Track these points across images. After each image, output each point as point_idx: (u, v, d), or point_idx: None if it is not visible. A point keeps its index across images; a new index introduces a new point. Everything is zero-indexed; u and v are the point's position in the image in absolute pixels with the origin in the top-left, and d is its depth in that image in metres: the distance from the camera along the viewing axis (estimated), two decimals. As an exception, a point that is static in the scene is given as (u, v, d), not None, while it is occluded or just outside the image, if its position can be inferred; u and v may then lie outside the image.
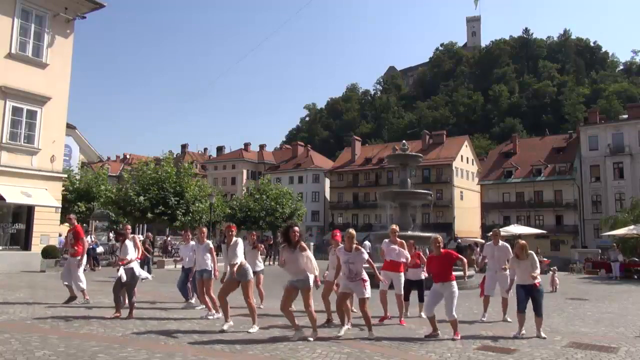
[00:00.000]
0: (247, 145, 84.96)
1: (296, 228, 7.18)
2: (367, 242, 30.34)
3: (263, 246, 11.60)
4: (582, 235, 50.64)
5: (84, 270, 10.81)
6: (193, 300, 10.26)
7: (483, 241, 27.92)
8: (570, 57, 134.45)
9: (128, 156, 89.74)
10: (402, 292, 8.93)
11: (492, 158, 63.18)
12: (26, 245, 18.20)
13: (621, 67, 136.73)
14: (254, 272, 10.21)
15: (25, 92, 17.85)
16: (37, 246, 18.14)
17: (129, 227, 10.60)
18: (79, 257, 10.39)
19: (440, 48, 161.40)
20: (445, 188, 62.38)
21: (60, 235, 20.02)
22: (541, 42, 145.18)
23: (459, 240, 35.95)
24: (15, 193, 17.20)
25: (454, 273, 7.71)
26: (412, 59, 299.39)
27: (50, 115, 18.65)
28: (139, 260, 9.74)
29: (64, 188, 22.38)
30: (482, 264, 9.94)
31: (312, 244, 34.68)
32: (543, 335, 7.62)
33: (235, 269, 7.59)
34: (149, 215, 25.73)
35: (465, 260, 8.13)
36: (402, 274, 9.07)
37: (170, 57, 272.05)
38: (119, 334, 7.11)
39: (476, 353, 6.49)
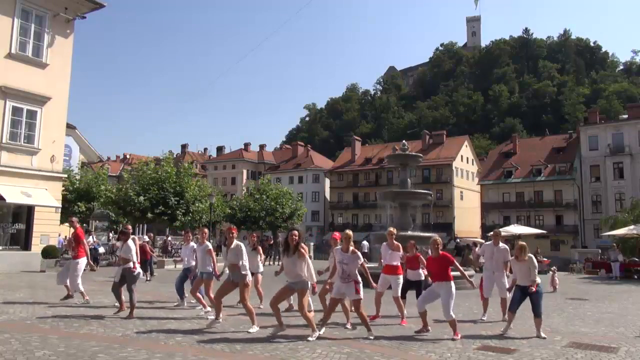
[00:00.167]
0: (247, 145, 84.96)
1: (295, 232, 7.25)
2: (365, 243, 30.38)
3: (261, 248, 11.60)
4: (582, 235, 50.65)
5: (84, 269, 10.80)
6: (185, 304, 10.30)
7: (483, 241, 27.88)
8: (570, 57, 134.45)
9: (128, 156, 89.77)
10: (400, 294, 8.97)
11: (492, 158, 63.20)
12: (26, 245, 18.20)
13: (621, 67, 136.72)
14: (253, 274, 10.27)
15: (25, 92, 17.85)
16: (37, 246, 18.15)
17: (129, 226, 10.61)
18: (78, 260, 10.42)
19: (440, 48, 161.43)
20: (445, 188, 62.38)
21: (59, 235, 20.04)
22: (541, 42, 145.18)
23: (458, 240, 35.92)
24: (15, 193, 17.20)
25: (453, 273, 7.74)
26: (412, 59, 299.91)
27: (50, 115, 18.65)
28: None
29: (64, 188, 22.39)
30: (478, 262, 9.93)
31: (312, 244, 34.75)
32: (543, 335, 7.63)
33: (242, 272, 7.68)
34: (149, 215, 25.74)
35: (460, 268, 8.14)
36: (400, 276, 9.11)
37: (170, 57, 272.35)
38: (119, 334, 7.11)
39: (476, 353, 6.49)
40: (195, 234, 12.68)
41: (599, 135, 52.25)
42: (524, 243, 8.11)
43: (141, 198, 25.28)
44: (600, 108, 79.46)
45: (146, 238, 20.50)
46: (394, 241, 9.19)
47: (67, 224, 20.98)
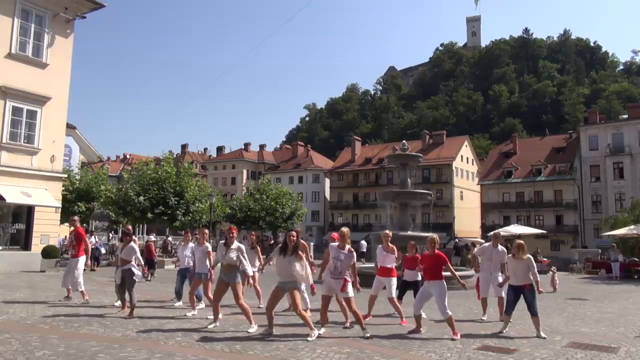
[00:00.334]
0: (247, 145, 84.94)
1: (293, 232, 7.32)
2: (363, 242, 30.46)
3: (260, 248, 11.61)
4: (582, 235, 50.63)
5: (84, 270, 10.83)
6: (181, 302, 10.31)
7: (483, 241, 27.90)
8: (570, 57, 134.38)
9: (128, 156, 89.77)
10: (394, 295, 9.00)
11: (492, 158, 63.18)
12: (26, 245, 18.20)
13: (621, 67, 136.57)
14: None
15: (25, 92, 17.84)
16: (37, 246, 18.14)
17: (130, 226, 10.63)
18: (79, 259, 10.45)
19: (440, 48, 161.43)
20: (445, 188, 62.37)
21: (59, 236, 20.04)
22: (541, 42, 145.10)
23: (457, 240, 35.98)
24: (15, 193, 17.20)
25: (445, 273, 7.81)
26: (412, 59, 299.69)
27: (50, 115, 18.65)
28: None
29: (64, 188, 22.38)
30: (475, 263, 9.95)
31: (312, 244, 34.75)
32: (543, 335, 7.64)
33: (244, 271, 7.78)
34: (149, 215, 25.76)
35: (452, 269, 8.15)
36: (394, 278, 9.16)
37: (170, 56, 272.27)
38: (119, 334, 7.11)
39: (476, 353, 6.49)
40: (195, 234, 12.69)
41: (599, 135, 52.23)
42: (522, 242, 8.15)
43: (141, 198, 25.29)
44: (600, 108, 79.39)
45: (152, 237, 20.54)
46: (389, 244, 9.22)
47: (67, 224, 21.00)
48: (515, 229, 31.99)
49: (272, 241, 30.31)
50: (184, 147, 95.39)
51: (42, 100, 18.38)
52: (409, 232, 17.87)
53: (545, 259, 27.18)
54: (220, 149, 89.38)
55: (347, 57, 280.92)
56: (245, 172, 78.62)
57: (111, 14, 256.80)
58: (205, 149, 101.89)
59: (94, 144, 31.25)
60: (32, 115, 18.18)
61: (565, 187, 53.39)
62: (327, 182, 72.78)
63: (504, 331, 7.96)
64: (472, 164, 69.01)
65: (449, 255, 16.04)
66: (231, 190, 69.30)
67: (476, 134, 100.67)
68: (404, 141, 25.81)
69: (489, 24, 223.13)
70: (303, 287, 9.46)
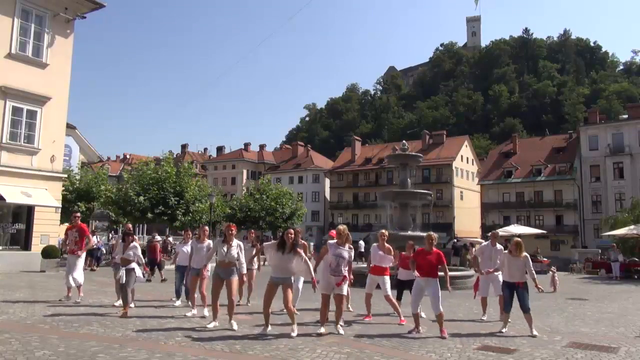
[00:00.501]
0: (247, 145, 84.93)
1: (291, 230, 7.36)
2: (361, 242, 30.57)
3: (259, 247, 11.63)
4: (582, 235, 50.62)
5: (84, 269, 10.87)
6: (180, 302, 10.32)
7: (482, 241, 27.92)
8: (570, 57, 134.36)
9: (128, 156, 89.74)
10: (390, 293, 9.03)
11: (492, 158, 63.16)
12: (26, 245, 18.21)
13: (621, 67, 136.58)
14: (249, 270, 10.38)
15: (25, 92, 17.84)
16: (37, 246, 18.14)
17: (130, 225, 10.66)
18: (79, 254, 10.56)
19: (440, 48, 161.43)
20: (445, 188, 62.36)
21: (59, 236, 20.03)
22: (541, 42, 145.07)
23: (455, 240, 36.00)
24: (15, 193, 17.20)
25: (450, 273, 7.82)
26: (412, 59, 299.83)
27: (50, 115, 18.65)
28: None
29: (64, 188, 22.39)
30: (477, 263, 9.96)
31: (312, 244, 34.77)
32: (535, 332, 7.68)
33: (240, 269, 7.85)
34: (149, 215, 25.75)
35: (446, 269, 8.12)
36: (387, 277, 9.17)
37: (170, 56, 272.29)
38: (119, 334, 7.11)
39: (476, 353, 6.49)
40: (195, 233, 12.68)
41: (599, 135, 52.22)
42: (519, 240, 8.20)
43: (141, 198, 25.29)
44: (600, 108, 79.37)
45: (158, 238, 20.54)
46: (386, 244, 9.22)
47: (67, 224, 20.98)
48: (515, 229, 32.00)
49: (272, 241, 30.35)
50: (184, 147, 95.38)
51: (42, 100, 18.38)
52: (409, 232, 17.86)
53: (545, 259, 27.18)
54: (220, 149, 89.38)
55: (347, 57, 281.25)
56: (245, 172, 78.61)
57: (111, 14, 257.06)
58: (205, 149, 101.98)
59: (94, 144, 31.30)
60: (32, 115, 18.18)
61: (565, 187, 53.39)
62: (327, 182, 72.77)
63: (504, 330, 7.97)
64: (472, 164, 69.01)
65: (447, 256, 16.07)
66: (231, 190, 69.29)
67: (476, 134, 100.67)
68: (404, 141, 25.82)
69: (489, 24, 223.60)
70: (300, 284, 9.50)
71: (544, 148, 58.57)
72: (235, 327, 7.58)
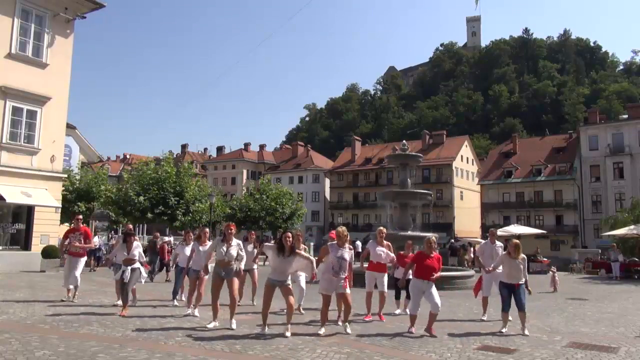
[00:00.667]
0: (247, 145, 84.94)
1: (288, 234, 7.40)
2: (358, 242, 30.72)
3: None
4: (582, 235, 50.63)
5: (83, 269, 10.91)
6: (176, 302, 10.32)
7: (482, 241, 27.95)
8: (570, 57, 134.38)
9: (128, 156, 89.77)
10: (386, 290, 9.10)
11: (492, 158, 63.18)
12: (26, 245, 18.21)
13: (621, 67, 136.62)
14: (251, 270, 10.38)
15: (25, 92, 17.84)
16: (37, 246, 18.15)
17: (130, 225, 10.68)
18: (83, 259, 10.72)
19: (440, 48, 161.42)
20: (445, 188, 62.37)
21: (59, 236, 20.03)
22: (541, 42, 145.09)
23: (452, 241, 36.04)
24: (15, 193, 17.20)
25: (451, 274, 7.86)
26: (412, 59, 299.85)
27: (50, 115, 18.64)
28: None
29: (64, 188, 22.37)
30: (479, 262, 9.97)
31: (312, 244, 34.81)
32: (526, 332, 7.76)
33: (239, 268, 7.90)
34: (149, 215, 25.76)
35: (438, 274, 8.22)
36: (385, 273, 9.24)
37: (170, 56, 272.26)
38: (119, 334, 7.11)
39: (476, 353, 6.49)
40: (194, 233, 12.67)
41: (599, 135, 52.24)
42: (518, 241, 8.29)
43: (141, 198, 25.30)
44: (600, 108, 79.38)
45: (166, 239, 20.59)
46: (384, 241, 9.26)
47: (67, 224, 20.98)
48: (515, 229, 32.00)
49: (273, 241, 30.37)
50: (184, 147, 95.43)
51: (42, 100, 18.37)
52: (409, 232, 17.86)
53: (545, 259, 27.19)
54: (220, 149, 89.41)
55: (347, 57, 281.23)
56: (245, 172, 78.62)
57: (111, 14, 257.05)
58: (205, 149, 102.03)
59: (94, 144, 31.26)
60: (32, 115, 18.18)
61: (565, 187, 53.40)
62: (327, 182, 72.78)
63: (504, 330, 7.97)
64: (472, 164, 69.02)
65: (444, 256, 16.09)
66: (231, 190, 69.30)
67: (476, 134, 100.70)
68: (404, 141, 25.82)
69: (489, 24, 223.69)
70: (303, 283, 9.49)
71: (544, 148, 58.59)
72: (234, 326, 7.60)
